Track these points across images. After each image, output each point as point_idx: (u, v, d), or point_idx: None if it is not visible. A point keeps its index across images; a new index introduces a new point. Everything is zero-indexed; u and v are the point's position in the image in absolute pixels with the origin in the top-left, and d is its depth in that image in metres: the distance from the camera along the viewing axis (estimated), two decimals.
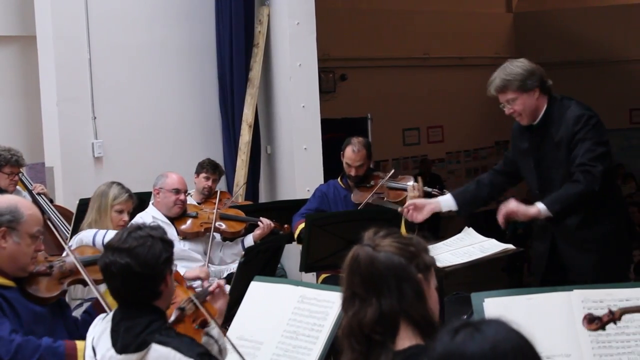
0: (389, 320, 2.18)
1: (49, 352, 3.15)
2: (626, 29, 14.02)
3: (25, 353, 3.09)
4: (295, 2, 7.33)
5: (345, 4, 12.42)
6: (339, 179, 5.69)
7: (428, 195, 5.17)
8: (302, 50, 7.36)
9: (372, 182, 5.53)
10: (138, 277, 2.80)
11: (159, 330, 2.79)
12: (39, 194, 6.14)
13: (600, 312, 2.75)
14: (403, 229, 5.31)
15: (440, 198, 4.69)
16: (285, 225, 5.58)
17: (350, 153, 5.49)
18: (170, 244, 2.93)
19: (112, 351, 2.80)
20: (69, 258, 3.63)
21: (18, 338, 3.10)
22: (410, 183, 5.35)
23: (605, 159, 4.20)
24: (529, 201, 4.41)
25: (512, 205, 4.25)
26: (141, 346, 2.75)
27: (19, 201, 3.39)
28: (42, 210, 5.96)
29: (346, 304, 2.25)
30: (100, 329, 2.91)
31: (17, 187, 6.19)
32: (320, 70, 7.84)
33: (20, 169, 6.12)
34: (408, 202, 4.68)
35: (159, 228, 3.01)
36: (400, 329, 2.18)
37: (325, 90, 11.12)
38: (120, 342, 2.79)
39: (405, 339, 2.18)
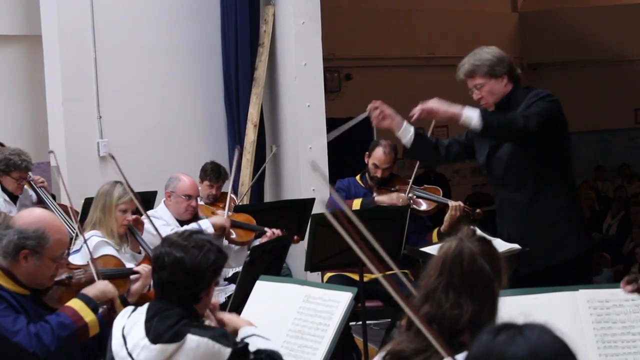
0: (467, 321, 2.24)
1: (61, 328, 3.17)
2: (632, 29, 13.97)
3: (45, 340, 3.11)
4: (300, 1, 7.32)
5: (350, 4, 12.41)
6: (357, 178, 5.69)
7: (467, 213, 5.27)
8: (307, 49, 7.35)
9: (397, 186, 5.54)
10: (186, 275, 2.87)
11: (190, 324, 2.85)
12: (40, 187, 6.13)
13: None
14: (435, 236, 5.34)
15: (405, 125, 4.52)
16: (295, 237, 5.43)
17: (381, 154, 5.50)
18: (225, 257, 3.02)
19: (146, 340, 2.85)
20: (90, 269, 3.58)
21: (32, 328, 3.13)
22: (451, 202, 5.36)
23: (545, 118, 4.11)
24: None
25: (432, 103, 4.11)
26: (176, 337, 2.80)
27: (47, 224, 3.27)
28: (41, 200, 5.98)
29: (437, 292, 2.27)
30: (133, 320, 2.94)
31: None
32: (325, 70, 7.83)
33: (29, 173, 6.12)
34: (374, 107, 4.48)
35: (218, 240, 3.10)
36: (465, 332, 2.24)
37: (331, 90, 11.10)
38: (153, 332, 2.84)
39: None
